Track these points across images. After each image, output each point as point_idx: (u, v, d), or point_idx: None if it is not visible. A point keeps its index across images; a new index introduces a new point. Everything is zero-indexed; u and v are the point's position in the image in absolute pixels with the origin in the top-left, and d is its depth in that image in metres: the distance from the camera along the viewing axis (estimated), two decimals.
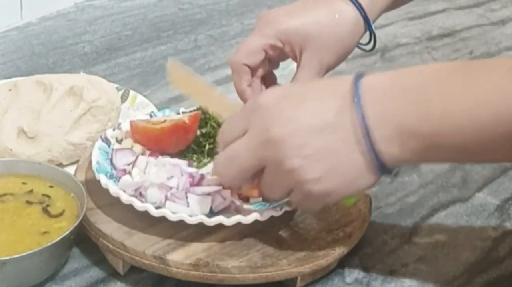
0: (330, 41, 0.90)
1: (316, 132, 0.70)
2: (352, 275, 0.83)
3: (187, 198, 0.80)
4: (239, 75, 0.91)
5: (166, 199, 0.80)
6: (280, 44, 0.90)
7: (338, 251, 0.80)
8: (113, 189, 0.81)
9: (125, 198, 0.80)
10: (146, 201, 0.80)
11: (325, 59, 0.90)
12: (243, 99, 0.92)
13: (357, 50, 0.96)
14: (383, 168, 0.71)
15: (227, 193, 0.82)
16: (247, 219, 0.79)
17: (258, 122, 0.71)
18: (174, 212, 0.79)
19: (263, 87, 0.93)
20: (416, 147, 0.70)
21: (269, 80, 0.94)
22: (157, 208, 0.79)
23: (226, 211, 0.81)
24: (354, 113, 0.69)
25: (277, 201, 0.79)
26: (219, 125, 0.91)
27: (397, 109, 0.69)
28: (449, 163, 0.77)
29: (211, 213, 0.80)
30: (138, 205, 0.79)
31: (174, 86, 0.89)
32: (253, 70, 0.91)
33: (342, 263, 0.84)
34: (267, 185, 0.75)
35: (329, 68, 0.92)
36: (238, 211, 0.81)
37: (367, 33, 0.95)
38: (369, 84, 0.71)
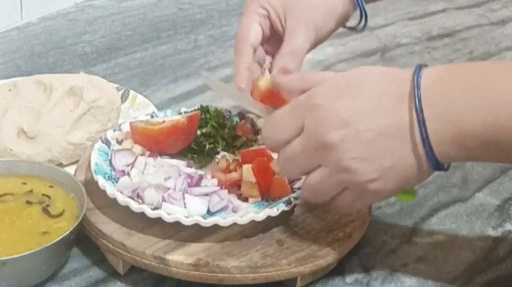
0: (312, 1, 0.88)
1: (373, 136, 0.70)
2: (352, 275, 0.83)
3: (184, 198, 0.80)
4: (242, 56, 0.88)
5: (163, 200, 0.80)
6: (265, 12, 0.88)
7: (338, 251, 0.80)
8: (110, 190, 0.81)
9: (122, 199, 0.80)
10: (143, 202, 0.80)
11: (311, 22, 0.87)
12: (240, 79, 0.87)
13: (356, 50, 0.96)
14: (438, 166, 0.71)
15: (224, 193, 0.82)
16: (243, 219, 0.78)
17: (314, 124, 0.71)
18: (170, 213, 0.79)
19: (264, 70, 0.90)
20: (474, 148, 0.69)
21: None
22: (154, 208, 0.79)
23: (223, 211, 0.81)
24: (414, 116, 0.69)
25: (319, 203, 0.77)
26: (219, 125, 0.91)
27: (459, 113, 0.68)
28: (501, 162, 0.78)
29: (209, 214, 0.80)
30: (135, 206, 0.79)
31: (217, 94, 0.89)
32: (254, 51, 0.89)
33: (342, 263, 0.84)
34: (317, 186, 0.73)
35: (319, 32, 0.88)
36: (235, 211, 0.81)
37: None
38: (428, 84, 0.69)
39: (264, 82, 0.83)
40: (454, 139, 0.69)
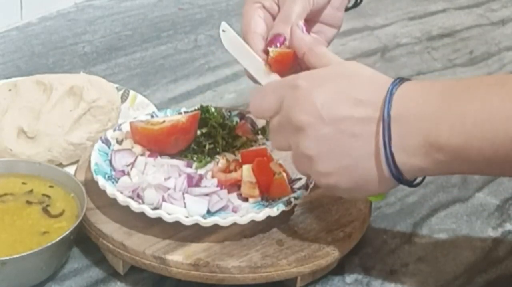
0: None
1: (337, 130, 0.71)
2: (352, 275, 0.83)
3: (184, 198, 0.80)
4: (255, 45, 0.87)
5: (163, 199, 0.80)
6: (259, 4, 0.88)
7: (338, 251, 0.80)
8: (110, 190, 0.81)
9: (122, 199, 0.80)
10: (143, 202, 0.80)
11: None
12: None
13: (356, 50, 0.95)
14: (399, 178, 0.71)
15: (224, 193, 0.82)
16: (243, 219, 0.79)
17: (290, 104, 0.73)
18: (170, 213, 0.79)
19: None
20: (441, 159, 0.69)
21: None
22: (154, 208, 0.79)
23: (223, 211, 0.81)
24: (381, 119, 0.70)
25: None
26: (219, 125, 0.91)
27: (427, 121, 0.69)
28: (472, 174, 0.78)
29: (209, 213, 0.80)
30: (135, 206, 0.79)
31: (226, 47, 0.88)
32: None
33: (342, 263, 0.84)
34: (293, 160, 0.76)
35: (318, 3, 0.88)
36: (235, 211, 0.81)
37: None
38: (403, 91, 0.70)
39: (272, 52, 0.84)
40: (420, 148, 0.69)
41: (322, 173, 0.73)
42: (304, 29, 0.83)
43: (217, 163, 0.88)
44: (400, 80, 0.72)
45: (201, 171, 0.87)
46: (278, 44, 0.84)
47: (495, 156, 0.67)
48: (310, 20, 0.91)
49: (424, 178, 0.75)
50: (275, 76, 0.82)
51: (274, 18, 0.88)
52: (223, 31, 0.86)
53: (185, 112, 0.93)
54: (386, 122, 0.69)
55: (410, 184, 0.73)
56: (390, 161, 0.70)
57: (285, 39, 0.84)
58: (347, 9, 0.95)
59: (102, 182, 0.82)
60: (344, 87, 0.72)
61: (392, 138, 0.69)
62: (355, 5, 0.96)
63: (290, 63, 0.82)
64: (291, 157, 0.76)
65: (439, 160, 0.69)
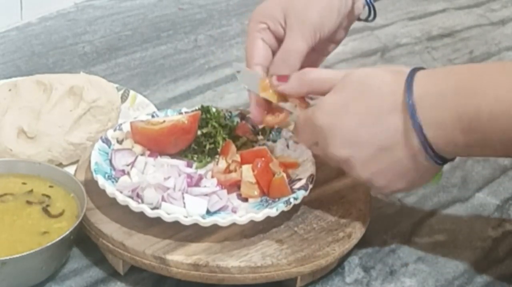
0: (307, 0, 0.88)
1: (377, 150, 0.76)
2: (352, 275, 0.83)
3: (183, 198, 0.80)
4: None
5: (163, 199, 0.80)
6: (264, 25, 0.87)
7: (338, 251, 0.80)
8: (110, 189, 0.81)
9: (121, 199, 0.80)
10: (143, 202, 0.80)
11: (306, 21, 0.86)
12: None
13: (356, 50, 0.96)
14: (444, 161, 0.77)
15: (223, 193, 0.82)
16: (242, 219, 0.78)
17: (323, 145, 0.79)
18: (170, 212, 0.79)
19: None
20: (466, 145, 0.74)
21: None
22: (154, 208, 0.79)
23: (223, 211, 0.81)
24: (410, 124, 0.74)
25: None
26: (220, 125, 0.91)
27: (449, 119, 0.73)
28: (494, 156, 0.85)
29: (208, 213, 0.80)
30: (134, 205, 0.79)
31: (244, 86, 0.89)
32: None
33: (342, 263, 0.84)
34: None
35: (318, 30, 0.87)
36: (235, 211, 0.81)
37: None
38: (420, 94, 0.74)
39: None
40: (447, 142, 0.74)
41: (382, 187, 0.79)
42: (282, 81, 0.84)
43: (217, 163, 0.88)
44: (411, 76, 0.75)
45: (201, 171, 0.87)
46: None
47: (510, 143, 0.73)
48: None
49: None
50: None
51: (278, 41, 0.88)
52: (238, 72, 0.87)
53: (185, 112, 0.93)
54: (417, 128, 0.74)
55: (452, 160, 0.78)
56: (433, 156, 0.75)
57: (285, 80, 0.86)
58: (359, 20, 0.95)
59: (102, 181, 0.82)
60: (362, 110, 0.76)
61: (427, 137, 0.74)
62: (367, 19, 0.96)
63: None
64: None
65: (463, 145, 0.74)
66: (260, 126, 0.93)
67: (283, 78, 0.83)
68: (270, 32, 0.87)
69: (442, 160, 0.76)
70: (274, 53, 0.87)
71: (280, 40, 0.87)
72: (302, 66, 0.88)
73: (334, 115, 0.77)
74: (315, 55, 0.92)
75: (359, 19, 0.96)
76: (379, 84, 0.77)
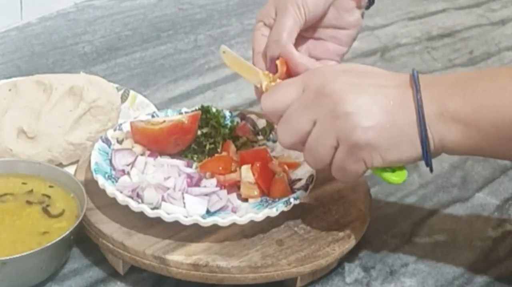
0: None
1: (374, 90, 0.74)
2: (352, 275, 0.83)
3: (183, 198, 0.80)
4: (257, 62, 0.90)
5: (163, 199, 0.80)
6: (261, 23, 0.90)
7: (338, 251, 0.80)
8: (110, 189, 0.81)
9: (121, 199, 0.80)
10: (143, 202, 0.80)
11: (295, 2, 0.88)
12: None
13: (356, 50, 0.96)
14: (426, 143, 0.74)
15: (223, 193, 0.82)
16: (242, 220, 0.78)
17: (311, 80, 0.76)
18: (170, 212, 0.79)
19: None
20: (456, 131, 0.73)
21: None
22: (154, 208, 0.79)
23: (223, 211, 0.81)
24: (412, 94, 0.74)
25: (318, 165, 0.78)
26: (220, 125, 0.91)
27: (444, 92, 0.74)
28: (485, 154, 0.81)
29: (208, 213, 0.80)
30: (134, 205, 0.79)
31: (229, 67, 0.90)
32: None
33: (342, 263, 0.84)
34: (313, 142, 0.75)
35: (309, 10, 0.89)
36: (235, 211, 0.81)
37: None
38: (425, 75, 0.75)
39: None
40: (439, 116, 0.73)
41: (362, 128, 0.73)
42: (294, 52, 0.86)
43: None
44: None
45: (201, 171, 0.87)
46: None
47: (502, 126, 0.72)
48: (314, 27, 0.91)
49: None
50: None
51: None
52: (223, 52, 0.88)
53: (185, 112, 0.93)
54: (417, 95, 0.73)
55: (428, 164, 0.75)
56: (421, 122, 0.73)
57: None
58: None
59: (102, 181, 0.82)
60: (367, 76, 0.76)
61: (423, 108, 0.73)
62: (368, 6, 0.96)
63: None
64: (314, 142, 0.75)
65: (455, 131, 0.73)
66: (261, 127, 0.93)
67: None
68: (266, 27, 0.90)
69: (426, 143, 0.74)
70: None
71: None
72: (322, 59, 0.92)
73: (337, 70, 0.77)
74: (332, 46, 0.94)
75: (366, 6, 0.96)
76: (381, 70, 0.79)
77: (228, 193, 0.83)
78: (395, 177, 0.77)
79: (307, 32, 0.92)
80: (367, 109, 0.73)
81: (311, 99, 0.75)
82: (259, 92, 0.85)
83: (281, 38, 0.87)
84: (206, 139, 0.90)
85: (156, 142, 0.88)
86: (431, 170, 0.76)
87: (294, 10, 0.88)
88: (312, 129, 0.75)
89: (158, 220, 0.79)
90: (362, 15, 0.94)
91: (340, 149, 0.74)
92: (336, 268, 0.83)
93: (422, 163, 0.75)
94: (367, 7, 0.95)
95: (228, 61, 0.87)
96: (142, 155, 0.88)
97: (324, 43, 0.93)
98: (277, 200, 0.82)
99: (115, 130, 0.91)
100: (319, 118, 0.74)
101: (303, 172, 0.86)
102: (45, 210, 0.82)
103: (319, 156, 0.76)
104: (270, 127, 0.93)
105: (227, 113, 0.94)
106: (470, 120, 0.73)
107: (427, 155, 0.74)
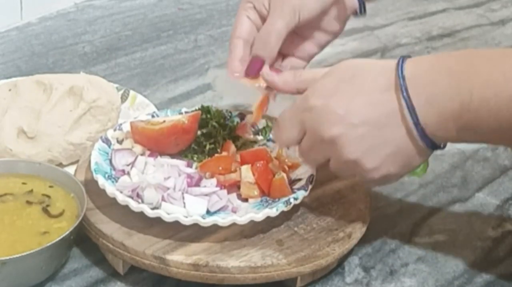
0: None
1: (369, 128, 0.75)
2: (352, 275, 0.83)
3: (183, 198, 0.80)
4: (232, 51, 0.90)
5: (163, 199, 0.80)
6: (250, 4, 0.90)
7: (338, 251, 0.80)
8: (110, 189, 0.81)
9: (121, 199, 0.80)
10: (143, 202, 0.80)
11: (286, 3, 0.88)
12: (232, 69, 0.89)
13: (356, 50, 0.96)
14: (433, 146, 0.76)
15: (223, 193, 0.82)
16: (242, 219, 0.78)
17: (313, 124, 0.76)
18: (170, 212, 0.79)
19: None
20: (456, 129, 0.74)
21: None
22: (154, 208, 0.79)
23: (223, 211, 0.81)
24: (403, 105, 0.73)
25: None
26: (220, 125, 0.91)
27: (441, 96, 0.73)
28: (485, 143, 0.82)
29: (208, 213, 0.80)
30: (134, 205, 0.79)
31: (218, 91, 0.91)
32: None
33: (342, 263, 0.84)
34: (335, 171, 0.79)
35: (299, 11, 0.89)
36: (235, 211, 0.81)
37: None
38: (412, 74, 0.74)
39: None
40: (439, 122, 0.73)
41: (372, 169, 0.76)
42: (275, 72, 0.85)
43: None
44: (402, 60, 0.75)
45: (201, 171, 0.87)
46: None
47: (500, 128, 0.72)
48: (302, 27, 0.91)
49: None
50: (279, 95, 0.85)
51: (262, 20, 0.90)
52: (215, 78, 0.89)
53: (185, 112, 0.93)
54: (410, 107, 0.73)
55: (442, 147, 0.77)
56: (423, 136, 0.74)
57: (263, 64, 0.87)
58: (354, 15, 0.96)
59: (102, 181, 0.82)
60: (354, 87, 0.76)
61: (419, 117, 0.73)
62: (358, 14, 0.96)
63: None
64: (331, 168, 0.79)
65: (456, 131, 0.74)
66: (261, 127, 0.93)
67: (276, 70, 0.85)
68: (255, 11, 0.90)
69: (432, 143, 0.75)
70: (258, 30, 0.90)
71: (264, 20, 0.90)
72: (292, 55, 0.91)
73: (327, 95, 0.76)
74: (307, 44, 0.94)
75: (355, 15, 0.96)
76: (370, 67, 0.77)
77: (228, 193, 0.83)
78: (418, 173, 0.81)
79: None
80: (370, 153, 0.75)
81: (318, 143, 0.77)
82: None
83: (269, 41, 0.87)
84: (206, 139, 0.90)
85: (156, 143, 0.88)
86: (444, 147, 0.78)
87: (289, 14, 0.88)
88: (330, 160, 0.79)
89: (158, 220, 0.79)
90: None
91: (359, 178, 0.79)
92: (336, 268, 0.83)
93: None
94: (360, 15, 0.96)
95: (219, 85, 0.89)
96: (142, 155, 0.88)
97: (302, 40, 0.94)
98: (277, 200, 0.82)
99: (115, 130, 0.91)
100: (332, 158, 0.78)
101: (303, 172, 0.86)
102: (45, 210, 0.82)
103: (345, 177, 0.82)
104: (270, 127, 0.93)
105: (227, 113, 0.94)
106: (467, 124, 0.73)
107: (432, 147, 0.76)
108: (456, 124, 0.73)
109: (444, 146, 0.78)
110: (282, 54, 0.93)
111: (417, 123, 0.73)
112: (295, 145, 0.80)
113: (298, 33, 0.93)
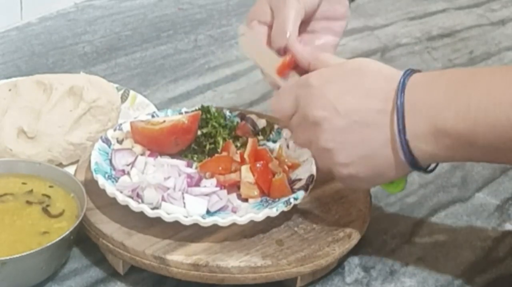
0: None
1: (351, 121, 0.74)
2: (352, 275, 0.83)
3: (183, 198, 0.80)
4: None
5: (163, 199, 0.80)
6: (256, 22, 0.90)
7: (338, 251, 0.80)
8: (110, 189, 0.81)
9: (121, 199, 0.80)
10: (143, 202, 0.80)
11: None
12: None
13: (356, 50, 0.96)
14: (414, 163, 0.74)
15: (223, 193, 0.82)
16: (242, 220, 0.78)
17: (304, 102, 0.77)
18: (170, 212, 0.79)
19: None
20: (449, 144, 0.72)
21: None
22: (154, 208, 0.79)
23: (223, 211, 0.81)
24: (395, 109, 0.73)
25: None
26: (220, 125, 0.91)
27: (435, 109, 0.72)
28: (480, 161, 0.81)
29: (208, 213, 0.80)
30: (134, 205, 0.79)
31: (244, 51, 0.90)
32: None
33: (342, 263, 0.84)
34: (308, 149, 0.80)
35: (310, 5, 0.90)
36: (235, 211, 0.81)
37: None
38: (413, 82, 0.74)
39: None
40: (429, 134, 0.72)
41: (342, 164, 0.76)
42: (297, 42, 0.85)
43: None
44: (410, 71, 0.75)
45: (201, 171, 0.87)
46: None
47: (498, 142, 0.70)
48: (307, 21, 0.91)
49: (437, 165, 0.77)
50: (294, 75, 0.84)
51: (270, 29, 0.89)
52: (242, 34, 0.88)
53: (185, 112, 0.93)
54: (400, 112, 0.73)
55: (424, 169, 0.76)
56: (405, 147, 0.73)
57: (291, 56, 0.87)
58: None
59: (102, 181, 0.82)
60: (355, 81, 0.76)
61: (406, 127, 0.72)
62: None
63: None
64: (312, 153, 0.80)
65: (447, 145, 0.72)
66: (261, 127, 0.93)
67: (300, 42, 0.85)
68: (262, 24, 0.90)
69: (413, 160, 0.73)
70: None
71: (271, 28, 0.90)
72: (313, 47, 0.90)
73: (326, 79, 0.76)
74: (324, 37, 0.94)
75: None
76: (378, 69, 0.77)
77: (228, 193, 0.83)
78: (392, 188, 0.80)
79: (301, 26, 0.92)
80: (344, 147, 0.75)
81: (304, 121, 0.77)
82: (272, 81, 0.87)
83: (286, 29, 0.86)
84: (206, 139, 0.90)
85: (156, 142, 0.88)
86: (432, 171, 0.76)
87: (295, 3, 0.88)
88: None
89: (158, 220, 0.79)
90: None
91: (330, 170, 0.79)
92: (336, 268, 0.83)
93: None
94: None
95: (244, 44, 0.88)
96: (142, 155, 0.88)
97: (318, 35, 0.94)
98: (277, 200, 0.82)
99: (115, 130, 0.91)
100: (312, 139, 0.78)
101: (303, 172, 0.86)
102: (45, 210, 0.82)
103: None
104: (270, 127, 0.93)
105: (227, 113, 0.94)
106: (463, 139, 0.71)
107: (418, 168, 0.75)
108: (450, 139, 0.71)
109: (431, 170, 0.76)
110: None
111: (401, 129, 0.72)
112: (286, 119, 0.80)
113: (311, 30, 0.93)
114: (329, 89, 0.76)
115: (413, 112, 0.72)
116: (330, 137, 0.75)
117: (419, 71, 0.75)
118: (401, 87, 0.73)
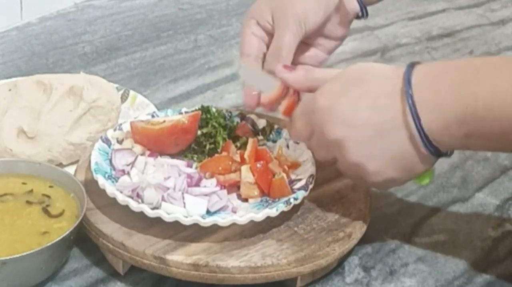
0: None
1: (372, 133, 0.76)
2: (352, 275, 0.83)
3: (183, 198, 0.80)
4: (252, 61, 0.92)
5: (163, 199, 0.80)
6: (254, 21, 0.92)
7: (338, 251, 0.80)
8: (110, 189, 0.81)
9: (121, 199, 0.80)
10: (143, 202, 0.80)
11: (291, 16, 0.90)
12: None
13: (356, 50, 0.96)
14: (438, 154, 0.76)
15: (223, 193, 0.82)
16: (242, 220, 0.78)
17: (320, 126, 0.78)
18: (170, 212, 0.79)
19: None
20: (461, 135, 0.74)
21: None
22: (154, 208, 0.79)
23: (223, 211, 0.81)
24: (407, 111, 0.74)
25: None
26: (220, 125, 0.91)
27: (446, 104, 0.73)
28: (490, 150, 0.83)
29: (208, 213, 0.80)
30: (134, 205, 0.79)
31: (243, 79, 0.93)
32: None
33: (342, 263, 0.84)
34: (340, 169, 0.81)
35: (305, 23, 0.91)
36: (235, 211, 0.81)
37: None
38: (419, 81, 0.74)
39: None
40: (443, 128, 0.74)
41: (374, 173, 0.78)
42: (287, 70, 0.86)
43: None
44: (411, 66, 0.76)
45: (201, 171, 0.87)
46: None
47: (506, 133, 0.72)
48: (309, 36, 0.93)
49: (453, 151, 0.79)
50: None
51: (268, 35, 0.92)
52: (239, 66, 0.91)
53: (185, 112, 0.93)
54: (414, 113, 0.74)
55: (446, 155, 0.78)
56: (426, 143, 0.75)
57: (259, 97, 0.89)
58: (357, 18, 0.97)
59: (102, 181, 0.82)
60: (361, 92, 0.77)
61: (422, 124, 0.74)
62: (360, 17, 0.98)
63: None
64: (339, 168, 0.81)
65: (462, 135, 0.74)
66: (261, 127, 0.93)
67: (289, 68, 0.85)
68: (259, 27, 0.92)
69: (436, 150, 0.75)
70: (266, 45, 0.92)
71: (270, 34, 0.92)
72: (303, 63, 0.92)
73: (333, 97, 0.77)
74: (315, 52, 0.96)
75: (357, 18, 0.97)
76: (378, 72, 0.78)
77: (228, 193, 0.83)
78: (422, 180, 0.81)
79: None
80: (371, 157, 0.77)
81: (324, 144, 0.79)
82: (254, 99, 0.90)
83: (281, 55, 0.89)
84: (206, 139, 0.90)
85: (156, 142, 0.88)
86: (450, 155, 0.78)
87: (295, 26, 0.90)
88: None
89: (158, 220, 0.79)
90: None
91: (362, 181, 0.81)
92: (336, 268, 0.83)
93: None
94: (362, 18, 0.98)
95: (242, 74, 0.91)
96: (142, 155, 0.88)
97: (311, 49, 0.96)
98: (277, 200, 0.82)
99: (115, 130, 0.91)
100: (338, 159, 0.79)
101: (303, 172, 0.86)
102: (45, 210, 0.82)
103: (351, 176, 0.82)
104: (270, 127, 0.93)
105: (227, 113, 0.95)
106: (471, 131, 0.73)
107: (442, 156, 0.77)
108: (461, 131, 0.73)
109: (451, 154, 0.78)
110: (293, 63, 0.93)
111: (420, 129, 0.74)
112: (308, 142, 0.82)
113: (306, 42, 0.95)
114: (339, 108, 0.76)
115: (425, 111, 0.74)
116: (355, 152, 0.77)
117: (418, 63, 0.76)
118: (408, 88, 0.74)
